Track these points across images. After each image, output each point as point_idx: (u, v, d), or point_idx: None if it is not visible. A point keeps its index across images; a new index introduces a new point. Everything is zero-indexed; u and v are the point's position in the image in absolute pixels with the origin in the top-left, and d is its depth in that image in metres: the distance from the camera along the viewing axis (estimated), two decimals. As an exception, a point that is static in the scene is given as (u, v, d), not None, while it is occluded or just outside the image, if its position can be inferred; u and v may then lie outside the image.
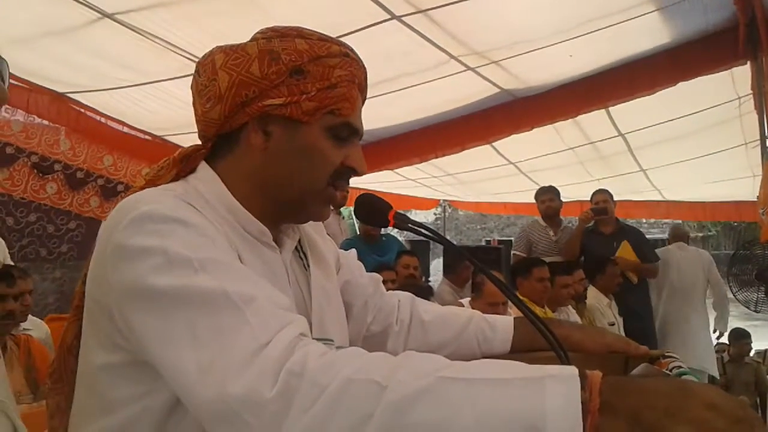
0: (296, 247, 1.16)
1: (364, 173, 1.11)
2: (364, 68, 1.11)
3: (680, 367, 1.00)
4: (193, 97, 1.08)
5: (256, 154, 1.04)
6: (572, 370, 0.73)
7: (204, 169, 1.07)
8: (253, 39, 1.05)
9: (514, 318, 1.35)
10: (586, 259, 5.45)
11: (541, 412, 0.69)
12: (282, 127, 1.03)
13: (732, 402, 0.71)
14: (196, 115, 1.08)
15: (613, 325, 4.99)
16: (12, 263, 4.42)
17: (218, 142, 1.07)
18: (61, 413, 1.07)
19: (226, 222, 1.01)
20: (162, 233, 0.88)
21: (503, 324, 1.34)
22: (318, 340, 1.04)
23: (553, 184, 5.86)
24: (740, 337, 6.94)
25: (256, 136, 1.03)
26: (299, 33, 1.05)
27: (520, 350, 1.30)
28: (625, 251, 5.46)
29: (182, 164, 1.07)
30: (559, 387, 0.71)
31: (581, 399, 0.70)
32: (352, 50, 1.09)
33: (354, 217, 1.17)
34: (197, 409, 0.80)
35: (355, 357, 0.80)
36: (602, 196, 5.64)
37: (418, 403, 0.73)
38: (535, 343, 1.23)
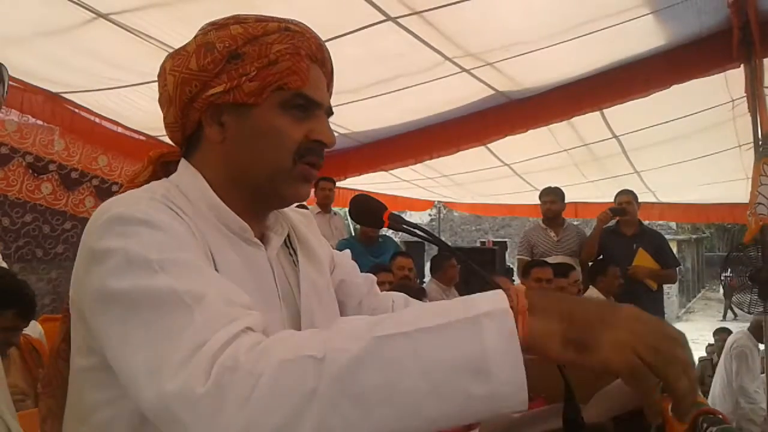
0: (287, 244, 1.15)
1: (332, 144, 1.07)
2: (315, 38, 1.07)
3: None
4: (158, 103, 1.09)
5: (217, 147, 1.04)
6: (503, 302, 0.74)
7: (184, 167, 1.07)
8: (194, 37, 1.05)
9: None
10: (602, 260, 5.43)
11: (483, 353, 0.71)
12: (234, 115, 1.02)
13: (659, 320, 0.74)
14: (163, 121, 1.09)
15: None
16: (4, 264, 4.40)
17: (189, 143, 1.08)
18: (53, 417, 1.06)
19: (207, 220, 1.00)
20: (126, 235, 0.87)
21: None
22: None
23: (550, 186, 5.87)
24: (718, 332, 7.02)
25: (212, 129, 1.03)
26: (236, 20, 1.04)
27: None
28: (643, 259, 5.43)
29: (158, 161, 1.09)
30: (493, 324, 0.72)
31: (511, 308, 0.73)
32: (295, 23, 1.07)
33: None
34: (144, 410, 0.79)
35: (286, 339, 0.78)
36: (626, 197, 5.57)
37: (361, 368, 0.71)
38: None
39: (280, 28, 1.03)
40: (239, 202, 1.04)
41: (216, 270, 0.95)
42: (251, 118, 1.02)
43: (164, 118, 1.07)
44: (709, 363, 7.05)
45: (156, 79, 1.07)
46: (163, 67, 1.05)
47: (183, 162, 1.08)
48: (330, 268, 1.27)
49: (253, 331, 0.81)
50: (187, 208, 0.98)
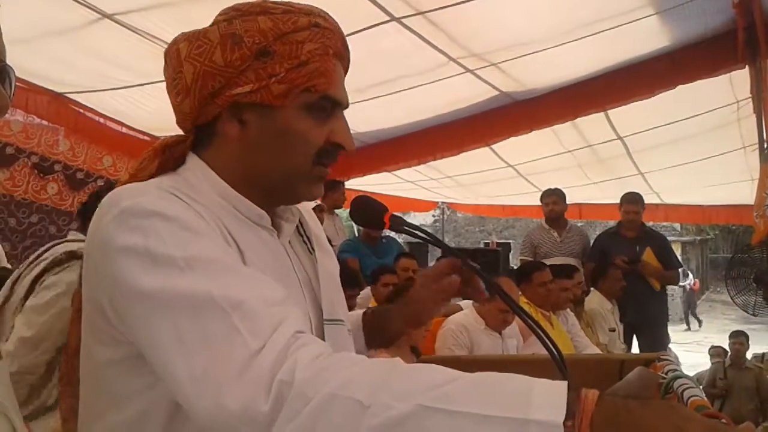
0: (299, 232, 1.15)
1: (352, 148, 1.05)
2: (340, 33, 1.04)
3: (675, 370, 1.00)
4: (166, 86, 1.04)
5: (234, 144, 1.00)
6: (560, 414, 0.70)
7: (192, 159, 1.04)
8: (215, 22, 1.00)
9: (363, 313, 1.31)
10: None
11: None
12: (256, 113, 0.99)
13: None
14: (171, 104, 1.04)
15: (613, 331, 4.99)
16: (8, 265, 4.40)
17: (199, 132, 1.04)
18: (75, 416, 1.06)
19: (222, 207, 0.99)
20: (145, 229, 0.86)
21: (354, 324, 1.26)
22: (328, 321, 1.04)
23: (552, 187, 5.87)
24: (732, 336, 6.98)
25: (231, 126, 0.99)
26: (263, 8, 0.99)
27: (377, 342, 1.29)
28: (649, 259, 5.44)
29: (164, 155, 1.03)
30: None
31: None
32: (323, 16, 1.02)
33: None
34: (194, 416, 0.80)
35: (344, 367, 0.79)
36: (634, 207, 5.56)
37: (397, 430, 0.72)
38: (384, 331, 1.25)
39: (311, 23, 0.99)
40: (251, 194, 1.03)
41: (241, 255, 0.95)
42: (275, 118, 0.99)
43: (176, 105, 1.02)
44: (721, 366, 7.01)
45: (161, 79, 1.04)
46: (176, 50, 0.99)
47: (191, 155, 1.04)
48: None
49: (302, 332, 0.82)
50: (199, 197, 0.97)
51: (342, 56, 1.04)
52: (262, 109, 0.98)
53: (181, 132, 1.07)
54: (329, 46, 1.00)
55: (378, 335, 1.29)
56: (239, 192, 1.02)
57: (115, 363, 0.93)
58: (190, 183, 1.00)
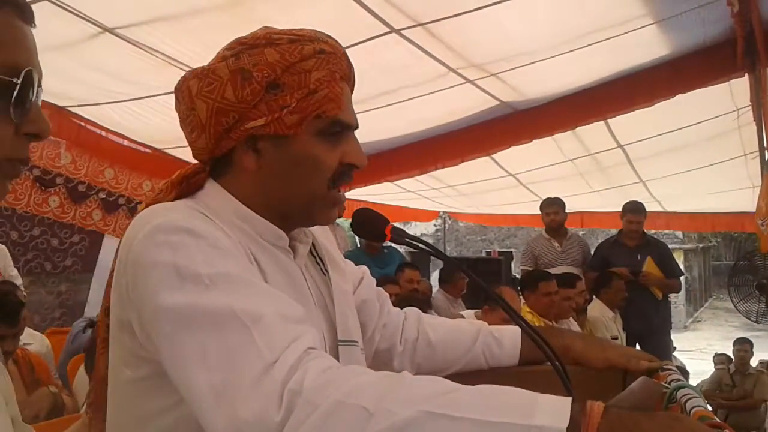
0: (312, 253, 1.16)
1: (365, 166, 1.07)
2: (343, 54, 1.06)
3: (678, 380, 1.00)
4: (180, 122, 1.06)
5: (250, 174, 1.03)
6: (563, 420, 0.70)
7: (211, 185, 1.06)
8: (222, 58, 1.01)
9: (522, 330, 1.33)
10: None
11: None
12: (271, 143, 1.01)
13: None
14: (186, 139, 1.06)
15: (616, 338, 4.98)
16: (14, 271, 4.40)
17: (215, 163, 1.06)
18: None
19: (241, 230, 1.00)
20: (173, 246, 0.88)
21: (510, 338, 1.31)
22: (343, 342, 1.05)
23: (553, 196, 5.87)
24: (737, 342, 6.97)
25: (248, 157, 1.02)
26: (268, 40, 1.00)
27: (529, 362, 1.29)
28: (650, 268, 5.44)
29: (181, 186, 1.05)
30: None
31: None
32: (327, 40, 1.04)
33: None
34: (210, 428, 0.81)
35: (351, 377, 0.80)
36: (636, 216, 5.55)
37: None
38: (542, 355, 1.22)
39: (316, 51, 1.01)
40: (268, 219, 1.05)
41: (263, 275, 0.97)
42: (289, 147, 1.01)
43: (192, 141, 1.04)
44: (726, 372, 7.00)
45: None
46: (187, 87, 1.02)
47: (210, 181, 1.06)
48: (356, 284, 1.28)
49: (315, 349, 0.84)
50: (219, 219, 0.98)
51: (348, 77, 1.06)
52: (276, 139, 1.00)
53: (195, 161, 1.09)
54: (335, 70, 1.02)
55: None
56: (258, 215, 1.04)
57: (138, 381, 0.94)
58: (210, 206, 1.01)
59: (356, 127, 1.07)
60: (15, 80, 0.71)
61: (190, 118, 1.02)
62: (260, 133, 0.99)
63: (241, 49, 1.00)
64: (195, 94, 1.00)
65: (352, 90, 1.09)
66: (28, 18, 0.75)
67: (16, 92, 0.71)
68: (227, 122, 0.99)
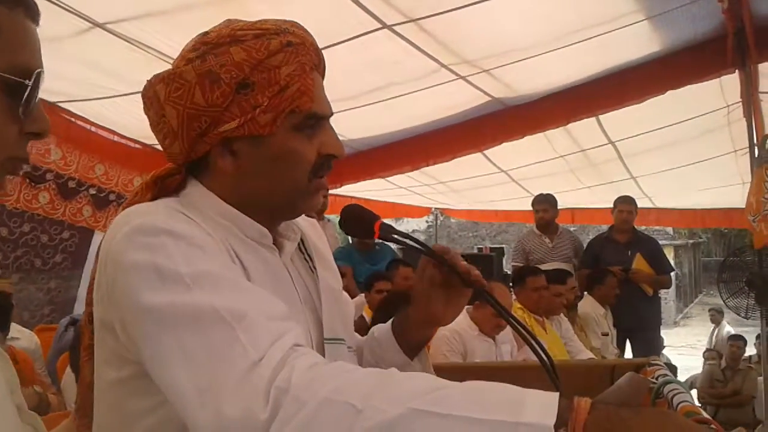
0: (300, 249, 1.15)
1: (343, 155, 1.06)
2: (311, 42, 1.03)
3: (665, 375, 1.01)
4: (150, 127, 1.04)
5: (229, 174, 1.01)
6: (550, 417, 0.70)
7: (193, 185, 1.05)
8: (188, 60, 0.98)
9: (392, 320, 1.22)
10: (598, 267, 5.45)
11: None
12: (247, 143, 0.99)
13: None
14: (160, 144, 1.04)
15: (606, 335, 5.00)
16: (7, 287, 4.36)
17: (193, 163, 1.04)
18: None
19: (224, 228, 1.00)
20: (153, 247, 0.88)
21: (384, 335, 1.20)
22: (329, 340, 1.04)
23: (545, 192, 5.88)
24: (731, 339, 7.03)
25: (224, 160, 1.00)
26: (233, 38, 0.98)
27: (416, 344, 1.18)
28: (640, 264, 5.47)
29: (156, 186, 1.04)
30: None
31: None
32: (293, 30, 1.02)
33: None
34: (195, 428, 0.80)
35: (339, 374, 0.80)
36: (627, 206, 5.63)
37: None
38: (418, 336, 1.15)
39: (283, 44, 0.98)
40: (251, 216, 1.04)
41: (246, 273, 0.96)
42: (265, 145, 0.99)
43: (165, 147, 1.02)
44: (717, 368, 7.05)
45: None
46: (154, 92, 0.99)
47: (192, 180, 1.05)
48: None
49: (301, 346, 0.83)
50: (202, 218, 0.97)
51: (318, 65, 1.05)
52: (251, 139, 0.99)
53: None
54: (305, 62, 1.00)
55: (406, 342, 1.20)
56: (240, 212, 1.03)
57: (122, 382, 0.94)
58: (193, 205, 1.00)
59: (331, 115, 1.06)
60: (27, 81, 0.71)
61: (161, 125, 1.00)
62: (235, 135, 0.98)
63: (205, 49, 0.98)
64: (163, 100, 0.98)
65: (323, 76, 1.07)
66: (37, 18, 0.75)
67: (27, 93, 0.71)
68: (200, 127, 0.97)
